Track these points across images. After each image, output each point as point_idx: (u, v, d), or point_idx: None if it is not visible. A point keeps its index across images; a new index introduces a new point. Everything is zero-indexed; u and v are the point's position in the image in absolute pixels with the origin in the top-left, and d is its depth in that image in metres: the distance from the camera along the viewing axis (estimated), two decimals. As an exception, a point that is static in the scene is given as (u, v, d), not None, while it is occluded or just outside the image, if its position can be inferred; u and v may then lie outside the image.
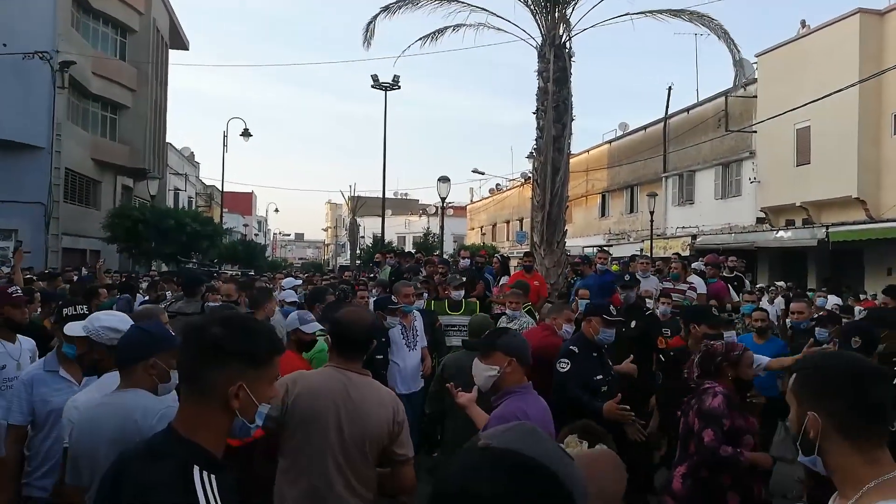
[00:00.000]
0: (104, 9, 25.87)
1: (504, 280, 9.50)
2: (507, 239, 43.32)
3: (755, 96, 21.79)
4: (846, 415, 1.44)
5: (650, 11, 11.68)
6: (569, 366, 4.40)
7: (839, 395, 1.46)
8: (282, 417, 2.54)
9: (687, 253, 21.23)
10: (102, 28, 26.64)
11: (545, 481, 0.96)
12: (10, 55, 19.92)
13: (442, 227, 22.47)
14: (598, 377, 4.46)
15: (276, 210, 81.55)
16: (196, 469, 1.42)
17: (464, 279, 7.74)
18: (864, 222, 17.54)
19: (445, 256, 16.35)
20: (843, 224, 17.79)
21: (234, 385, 1.50)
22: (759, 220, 22.25)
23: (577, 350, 4.51)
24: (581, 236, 31.00)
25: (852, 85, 16.51)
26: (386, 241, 35.52)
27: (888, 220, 16.77)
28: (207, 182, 51.15)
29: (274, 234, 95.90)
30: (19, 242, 16.07)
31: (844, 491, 1.43)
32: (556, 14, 11.87)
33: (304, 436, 2.55)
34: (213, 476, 1.43)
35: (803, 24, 21.35)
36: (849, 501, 1.40)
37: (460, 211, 52.70)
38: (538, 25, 12.08)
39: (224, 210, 36.36)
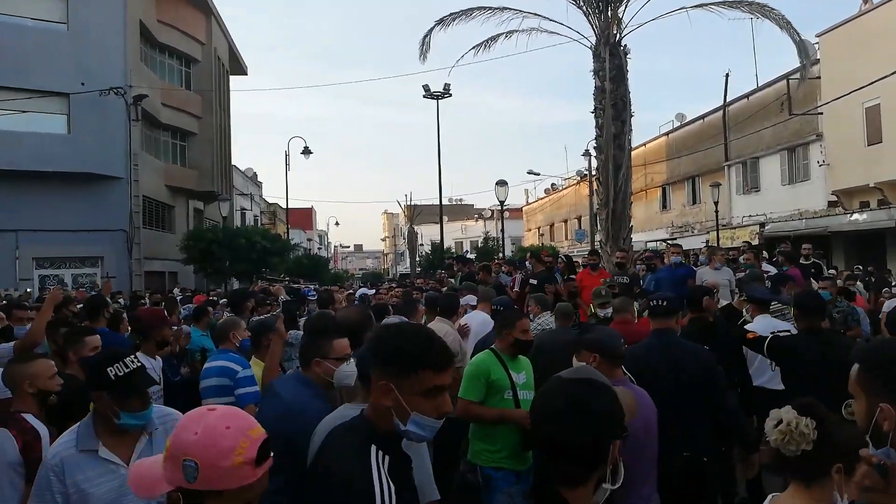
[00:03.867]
0: (169, 42, 27.24)
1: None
2: (566, 238, 43.05)
3: (818, 77, 21.11)
4: None
5: (705, 4, 11.61)
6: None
7: None
8: None
9: (756, 242, 20.74)
10: (168, 60, 28.05)
11: (606, 390, 1.52)
12: (88, 93, 21.29)
13: (503, 230, 22.67)
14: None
15: (337, 224, 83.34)
16: (373, 448, 1.70)
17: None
18: (946, 199, 16.80)
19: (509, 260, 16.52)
20: (922, 203, 17.08)
21: (382, 383, 1.72)
22: (831, 204, 21.51)
23: None
24: (642, 230, 30.57)
25: (923, 58, 15.89)
26: (445, 247, 35.97)
27: (972, 196, 16.02)
28: (270, 200, 52.90)
29: (335, 246, 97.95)
30: (109, 276, 17.07)
31: None
32: (609, 13, 11.95)
33: None
34: (386, 456, 1.70)
35: (865, 0, 20.61)
36: None
37: (516, 213, 52.63)
38: (591, 25, 12.19)
39: (287, 226, 37.57)
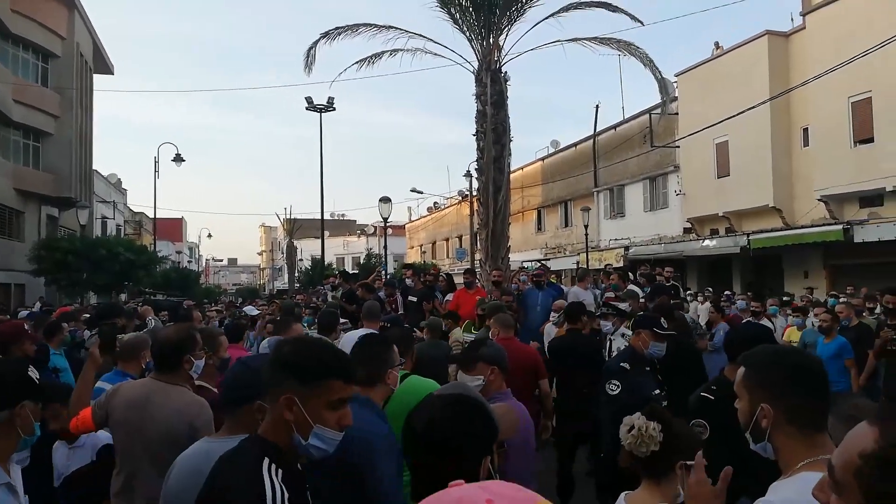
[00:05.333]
0: (24, 34, 24.99)
1: (449, 297, 9.73)
2: (447, 256, 43.78)
3: (676, 113, 23.08)
4: (795, 405, 1.63)
5: (578, 39, 12.36)
6: (619, 388, 4.22)
7: (790, 388, 1.65)
8: (103, 421, 3.12)
9: (620, 263, 22.16)
10: (23, 54, 25.71)
11: (479, 405, 1.62)
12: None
13: (386, 248, 22.67)
14: (656, 392, 4.29)
15: (210, 236, 79.54)
16: (266, 460, 1.64)
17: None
18: (781, 229, 18.79)
19: (389, 276, 16.55)
20: (762, 231, 19.01)
21: (285, 396, 1.67)
22: (686, 230, 23.46)
23: (628, 367, 4.32)
24: (519, 251, 31.73)
25: (763, 102, 17.80)
26: (326, 262, 35.34)
27: (802, 227, 18.06)
28: (136, 209, 49.60)
29: (206, 260, 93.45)
30: None
31: (786, 469, 1.63)
32: (491, 40, 12.40)
33: (119, 437, 3.09)
34: (279, 469, 1.64)
35: (717, 45, 22.81)
36: (784, 476, 1.63)
37: (399, 230, 52.92)
38: (474, 51, 12.58)
39: (154, 237, 35.33)
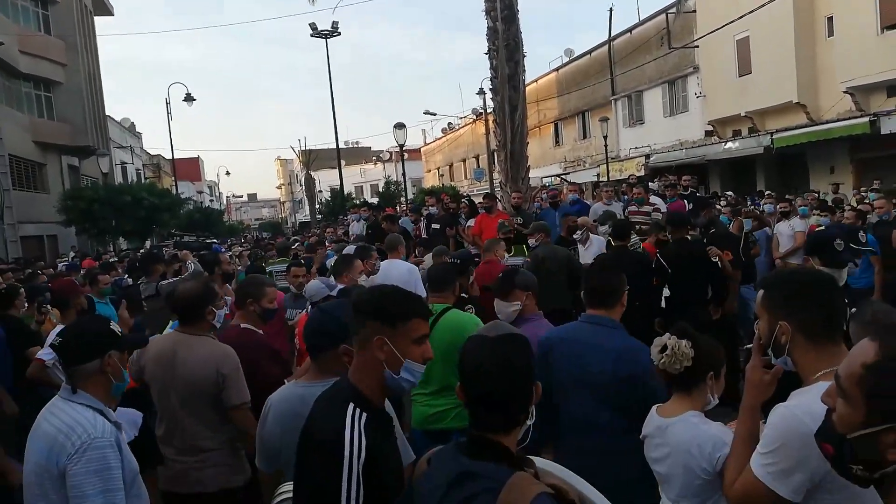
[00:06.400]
0: (20, -20, 24.52)
1: (471, 222, 9.71)
2: (465, 177, 43.57)
3: (694, 11, 22.14)
4: (811, 321, 1.77)
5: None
6: None
7: (805, 305, 1.79)
8: (140, 376, 3.34)
9: (642, 173, 21.93)
10: (22, 2, 25.27)
11: (524, 342, 1.68)
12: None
13: (404, 175, 22.64)
14: None
15: (228, 173, 79.93)
16: (351, 405, 1.82)
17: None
18: (806, 125, 18.34)
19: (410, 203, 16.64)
20: (786, 129, 18.57)
21: (376, 339, 1.84)
22: (708, 134, 22.98)
23: None
24: (537, 167, 31.41)
25: (786, -7, 17.00)
26: (345, 192, 35.46)
27: (828, 122, 17.59)
28: (152, 152, 49.76)
29: (227, 197, 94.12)
30: None
31: (805, 380, 1.78)
32: (498, -50, 11.88)
33: (154, 390, 3.29)
34: (364, 414, 1.81)
35: (735, -66, 21.56)
36: (805, 385, 1.78)
37: (415, 154, 52.51)
38: (481, -37, 12.09)
39: (175, 179, 35.59)
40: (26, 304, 5.87)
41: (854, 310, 2.40)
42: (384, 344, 1.85)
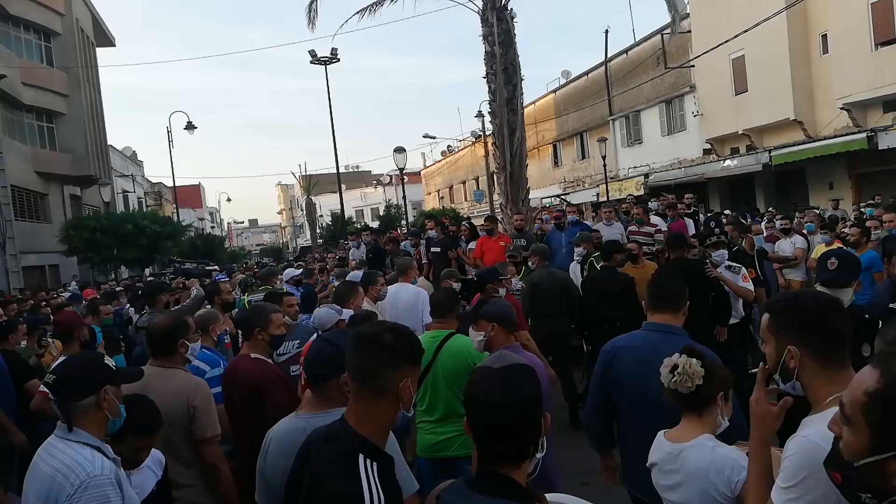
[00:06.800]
0: (23, 14, 24.82)
1: (472, 245, 9.71)
2: (465, 199, 43.70)
3: (689, 31, 22.37)
4: (818, 345, 1.74)
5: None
6: None
7: (813, 329, 1.76)
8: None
9: (641, 192, 21.99)
10: (24, 35, 25.59)
11: (530, 371, 1.66)
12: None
13: (405, 198, 22.70)
14: None
15: (229, 199, 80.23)
16: (361, 457, 1.72)
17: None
18: (804, 142, 18.41)
19: (410, 228, 16.67)
20: (783, 146, 18.64)
21: (404, 382, 1.80)
22: (706, 152, 23.07)
23: None
24: (537, 188, 31.53)
25: (780, 11, 17.18)
26: (346, 216, 35.54)
27: (825, 138, 17.67)
28: (153, 180, 50.03)
29: (228, 223, 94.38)
30: None
31: (816, 405, 1.75)
32: (494, -24, 12.05)
33: None
34: (375, 463, 1.73)
35: (727, -45, 21.84)
36: (815, 411, 1.74)
37: (415, 177, 52.76)
38: (477, -11, 12.25)
39: (176, 206, 35.71)
40: (26, 337, 5.85)
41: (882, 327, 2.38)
42: (410, 384, 1.83)
